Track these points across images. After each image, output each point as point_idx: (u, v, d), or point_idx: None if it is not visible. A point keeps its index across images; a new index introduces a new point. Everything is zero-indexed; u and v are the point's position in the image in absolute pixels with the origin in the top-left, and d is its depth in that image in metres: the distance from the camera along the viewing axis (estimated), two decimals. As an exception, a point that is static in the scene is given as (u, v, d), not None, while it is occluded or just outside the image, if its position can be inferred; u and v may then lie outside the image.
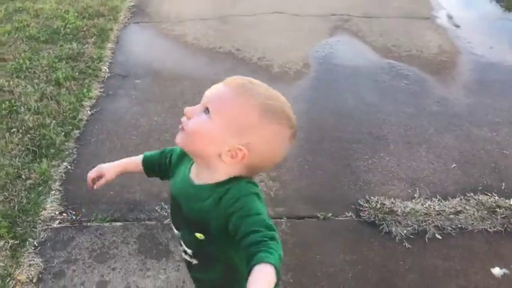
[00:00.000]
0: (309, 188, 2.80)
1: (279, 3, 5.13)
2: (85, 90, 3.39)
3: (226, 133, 1.16)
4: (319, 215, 2.61)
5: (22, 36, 3.96)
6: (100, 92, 3.47)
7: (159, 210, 2.53)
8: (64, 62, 3.71)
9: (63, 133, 2.97)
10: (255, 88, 1.18)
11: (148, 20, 4.68)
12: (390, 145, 3.15)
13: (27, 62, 3.61)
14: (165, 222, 2.46)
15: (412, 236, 2.50)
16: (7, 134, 2.89)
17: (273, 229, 1.09)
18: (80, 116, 3.17)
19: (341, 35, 4.57)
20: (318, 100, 3.62)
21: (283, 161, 2.94)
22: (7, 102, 3.14)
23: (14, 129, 2.94)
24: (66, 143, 2.92)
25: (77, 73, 3.59)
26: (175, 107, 3.38)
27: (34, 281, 2.15)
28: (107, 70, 3.75)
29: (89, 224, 2.42)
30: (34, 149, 2.81)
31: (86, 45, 3.98)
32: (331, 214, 2.61)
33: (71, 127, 3.05)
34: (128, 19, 4.62)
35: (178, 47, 4.23)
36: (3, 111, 3.06)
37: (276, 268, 1.01)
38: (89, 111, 3.25)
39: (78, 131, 3.05)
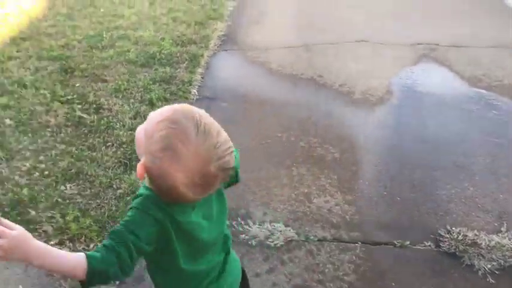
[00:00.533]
0: (386, 214, 2.76)
1: (363, 32, 5.15)
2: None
3: (142, 146, 1.19)
4: (396, 242, 2.55)
5: (122, 60, 4.32)
6: (187, 112, 3.68)
7: (235, 226, 2.61)
8: (158, 84, 3.99)
9: (151, 149, 3.18)
10: (180, 123, 1.15)
11: (236, 47, 4.91)
12: (475, 175, 3.02)
13: (125, 83, 3.93)
14: (240, 238, 2.54)
15: (497, 272, 2.37)
16: (103, 147, 3.16)
17: (126, 248, 1.15)
18: (168, 134, 3.38)
19: (427, 64, 4.49)
20: (400, 127, 3.57)
21: (360, 185, 2.94)
22: (105, 119, 3.43)
23: (110, 143, 3.20)
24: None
25: (169, 94, 3.84)
26: (257, 128, 3.51)
27: (117, 283, 2.29)
28: (196, 93, 3.97)
29: (170, 233, 2.56)
30: (125, 161, 3.03)
31: (178, 70, 4.25)
32: (408, 242, 2.55)
33: (159, 143, 3.25)
34: (218, 46, 4.87)
35: (263, 73, 4.38)
36: (102, 127, 3.35)
37: (89, 268, 1.09)
38: (176, 130, 3.45)
39: (165, 148, 3.25)
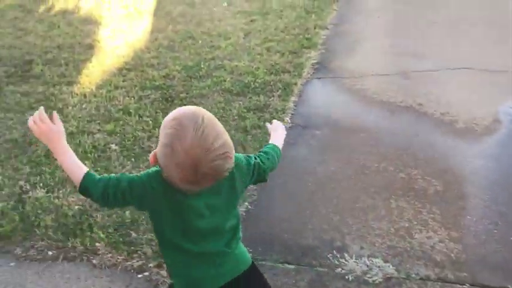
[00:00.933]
0: (497, 255, 2.51)
1: (465, 58, 4.90)
2: (268, 138, 3.63)
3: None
4: (510, 286, 2.31)
5: (219, 89, 4.46)
6: (281, 140, 3.68)
7: (331, 258, 2.51)
8: (252, 112, 4.04)
9: (246, 176, 3.20)
10: (183, 125, 1.36)
11: (330, 75, 4.87)
12: None
13: (221, 111, 4.03)
14: (336, 271, 2.44)
15: None
16: (200, 173, 3.23)
17: (115, 191, 1.48)
18: (262, 162, 3.39)
19: (540, 91, 4.14)
20: (509, 158, 3.29)
21: (467, 222, 2.72)
22: (202, 146, 3.52)
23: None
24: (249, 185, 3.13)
25: (262, 122, 3.86)
26: (352, 158, 3.40)
27: None
28: (289, 121, 3.96)
29: (263, 262, 2.52)
30: (221, 188, 3.07)
31: (272, 98, 4.29)
32: (526, 288, 2.29)
33: (254, 171, 3.27)
34: (311, 75, 4.87)
35: (357, 100, 4.29)
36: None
37: (81, 182, 1.49)
38: (270, 158, 3.46)
39: (259, 175, 3.26)
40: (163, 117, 4.09)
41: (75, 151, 3.57)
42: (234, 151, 1.43)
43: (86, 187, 1.50)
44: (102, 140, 3.67)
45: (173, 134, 1.36)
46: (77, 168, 1.52)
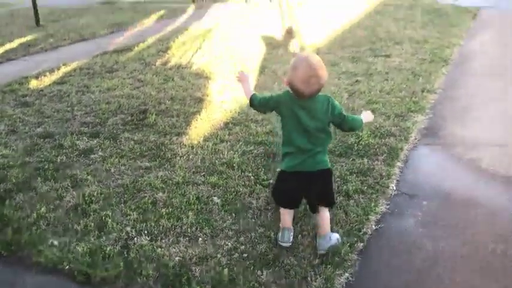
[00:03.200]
0: None
1: None
2: (372, 204, 3.48)
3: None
4: None
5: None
6: (386, 208, 3.50)
7: None
8: (354, 175, 3.92)
9: (348, 244, 3.06)
10: (300, 61, 2.72)
11: (439, 142, 4.64)
12: None
13: (323, 172, 3.96)
14: None
15: None
16: (299, 236, 3.14)
17: (266, 104, 2.99)
18: (364, 229, 3.23)
19: None
20: None
21: None
22: (302, 207, 3.44)
23: (305, 232, 3.18)
24: (349, 254, 2.98)
25: (366, 187, 3.73)
26: (465, 235, 3.14)
27: None
28: (394, 188, 3.78)
29: None
30: (322, 252, 2.96)
31: (376, 162, 4.15)
32: None
33: (355, 239, 3.12)
34: (418, 140, 4.67)
35: (470, 172, 4.01)
36: (299, 215, 3.37)
37: (250, 99, 3.03)
38: (373, 226, 3.29)
39: (362, 244, 3.10)
40: (264, 174, 4.14)
41: (180, 202, 3.68)
42: (325, 79, 2.70)
43: (251, 102, 3.01)
44: (205, 191, 3.75)
45: (294, 66, 2.72)
46: (249, 92, 3.02)
